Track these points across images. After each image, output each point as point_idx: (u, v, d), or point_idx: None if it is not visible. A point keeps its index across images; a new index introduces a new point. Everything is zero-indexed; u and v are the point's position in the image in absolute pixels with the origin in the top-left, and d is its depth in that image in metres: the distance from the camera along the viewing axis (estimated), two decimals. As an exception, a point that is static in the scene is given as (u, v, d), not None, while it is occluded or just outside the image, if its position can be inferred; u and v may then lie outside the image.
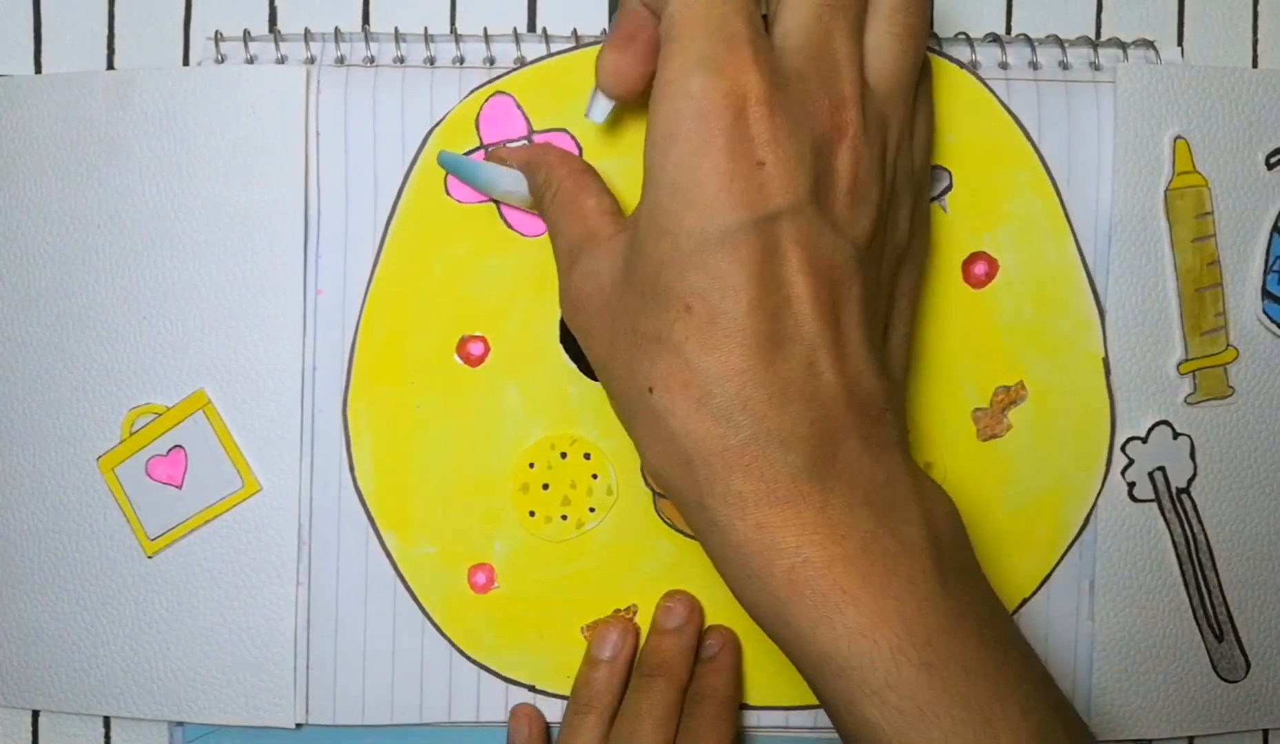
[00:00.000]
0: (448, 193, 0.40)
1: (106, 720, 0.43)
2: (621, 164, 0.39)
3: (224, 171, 0.40)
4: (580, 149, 0.40)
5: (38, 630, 0.41)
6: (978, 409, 0.40)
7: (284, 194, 0.40)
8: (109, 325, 0.40)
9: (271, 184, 0.40)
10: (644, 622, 0.41)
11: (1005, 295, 0.40)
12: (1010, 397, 0.40)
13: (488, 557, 0.40)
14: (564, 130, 0.40)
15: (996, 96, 0.40)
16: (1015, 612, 0.41)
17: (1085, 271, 0.40)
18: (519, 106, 0.40)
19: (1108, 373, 0.40)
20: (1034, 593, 0.40)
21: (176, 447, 0.40)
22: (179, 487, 0.40)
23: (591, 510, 0.40)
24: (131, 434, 0.40)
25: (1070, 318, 0.40)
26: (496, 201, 0.39)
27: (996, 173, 0.40)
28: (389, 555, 0.40)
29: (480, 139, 0.40)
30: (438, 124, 0.40)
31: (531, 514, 0.40)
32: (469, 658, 0.41)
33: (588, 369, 0.40)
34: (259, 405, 0.40)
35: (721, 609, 0.40)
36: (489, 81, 0.40)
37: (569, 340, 0.40)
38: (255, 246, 0.40)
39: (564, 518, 0.40)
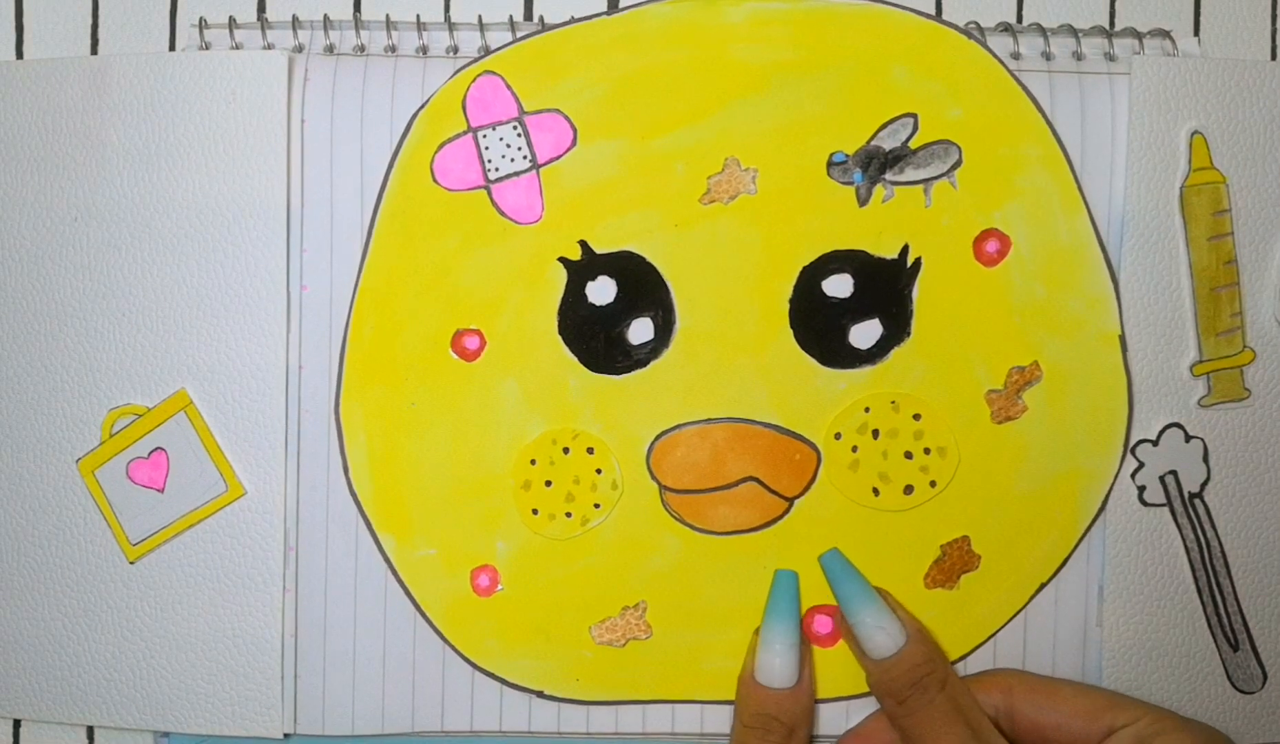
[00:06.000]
0: (435, 180, 0.39)
1: (90, 730, 0.42)
2: (616, 147, 0.38)
3: (204, 162, 0.39)
4: (575, 130, 0.38)
5: (18, 638, 0.40)
6: (992, 391, 0.39)
7: (266, 186, 0.39)
8: (87, 323, 0.39)
9: (253, 175, 0.39)
10: (654, 619, 0.39)
11: (1017, 273, 0.39)
12: (1025, 377, 0.39)
13: (490, 558, 0.39)
14: (556, 111, 0.39)
15: (1006, 67, 0.39)
16: (1029, 601, 0.39)
17: (1100, 246, 0.39)
18: (508, 86, 0.39)
19: (1124, 350, 0.39)
20: (1051, 578, 0.39)
21: (158, 449, 0.39)
22: (161, 490, 0.39)
23: (596, 506, 0.39)
24: (112, 436, 0.39)
25: (1084, 295, 0.39)
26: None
27: (1005, 146, 0.39)
28: (387, 559, 0.39)
29: (468, 122, 0.39)
30: (423, 106, 0.39)
31: (534, 512, 0.39)
32: (474, 665, 0.39)
33: (587, 359, 0.39)
34: (242, 406, 0.39)
35: (730, 607, 0.39)
36: (475, 60, 0.39)
37: (567, 330, 0.39)
38: (237, 240, 0.39)
39: (568, 515, 0.39)
